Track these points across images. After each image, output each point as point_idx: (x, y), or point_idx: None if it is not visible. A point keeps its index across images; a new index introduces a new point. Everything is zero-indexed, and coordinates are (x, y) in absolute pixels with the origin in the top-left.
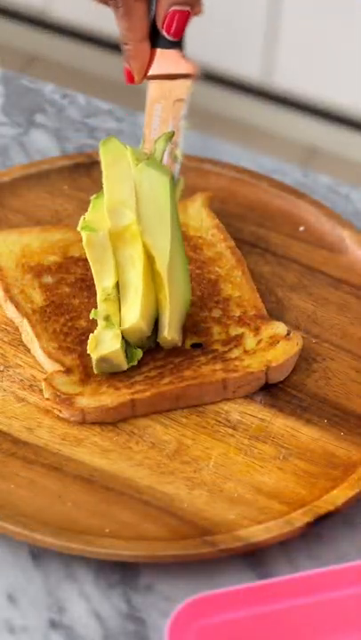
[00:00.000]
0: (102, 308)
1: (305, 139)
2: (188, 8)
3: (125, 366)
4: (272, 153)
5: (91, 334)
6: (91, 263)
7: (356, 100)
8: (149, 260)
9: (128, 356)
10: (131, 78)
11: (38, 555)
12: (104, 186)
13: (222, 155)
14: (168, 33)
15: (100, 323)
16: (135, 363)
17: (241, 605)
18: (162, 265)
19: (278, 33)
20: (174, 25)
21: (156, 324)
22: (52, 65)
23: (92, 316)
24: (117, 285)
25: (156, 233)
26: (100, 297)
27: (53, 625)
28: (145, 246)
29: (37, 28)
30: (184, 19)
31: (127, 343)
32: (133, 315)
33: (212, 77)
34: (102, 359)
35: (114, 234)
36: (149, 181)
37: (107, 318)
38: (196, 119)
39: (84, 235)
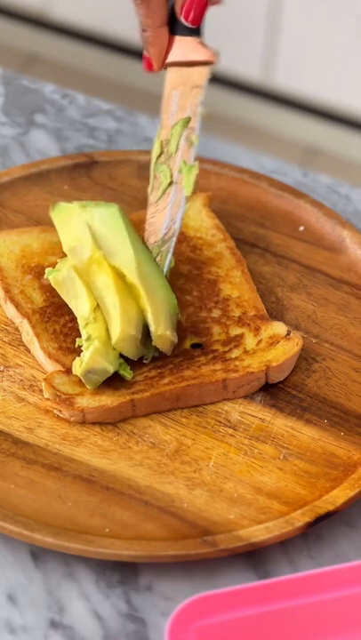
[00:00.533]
0: (84, 334)
1: (305, 139)
2: None
3: (111, 368)
4: (272, 153)
5: (77, 358)
6: (67, 301)
7: (357, 99)
8: (120, 276)
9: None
10: (149, 65)
11: (38, 555)
12: (61, 241)
13: (222, 155)
14: (186, 20)
15: (84, 345)
16: (130, 375)
17: (241, 605)
18: (132, 275)
19: (278, 33)
20: (192, 12)
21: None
22: (52, 65)
23: (77, 344)
24: (99, 309)
25: (118, 252)
26: (81, 325)
27: (53, 625)
28: (112, 267)
29: (37, 27)
30: (202, 6)
31: (126, 359)
32: (116, 325)
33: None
34: (87, 371)
35: (80, 269)
36: (99, 215)
37: (88, 339)
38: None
39: (51, 279)
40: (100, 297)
